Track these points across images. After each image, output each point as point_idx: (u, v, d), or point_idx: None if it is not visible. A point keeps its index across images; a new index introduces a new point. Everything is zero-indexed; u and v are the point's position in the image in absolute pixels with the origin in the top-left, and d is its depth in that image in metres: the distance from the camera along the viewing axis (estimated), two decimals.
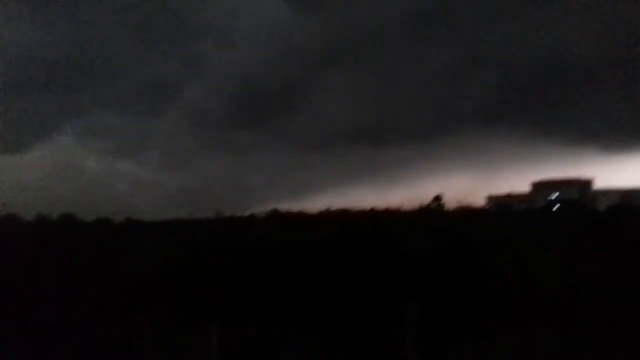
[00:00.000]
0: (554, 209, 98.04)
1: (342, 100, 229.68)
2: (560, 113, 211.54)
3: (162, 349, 32.83)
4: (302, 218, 78.16)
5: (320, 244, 47.79)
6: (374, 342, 36.53)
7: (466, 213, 74.41)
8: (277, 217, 76.08)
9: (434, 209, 55.64)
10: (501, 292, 38.45)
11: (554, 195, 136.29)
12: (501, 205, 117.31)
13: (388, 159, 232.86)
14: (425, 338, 33.08)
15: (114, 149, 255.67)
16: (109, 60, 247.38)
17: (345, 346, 36.17)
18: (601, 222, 63.76)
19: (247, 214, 79.54)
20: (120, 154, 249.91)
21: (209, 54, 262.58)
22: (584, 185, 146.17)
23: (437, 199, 55.21)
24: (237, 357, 32.47)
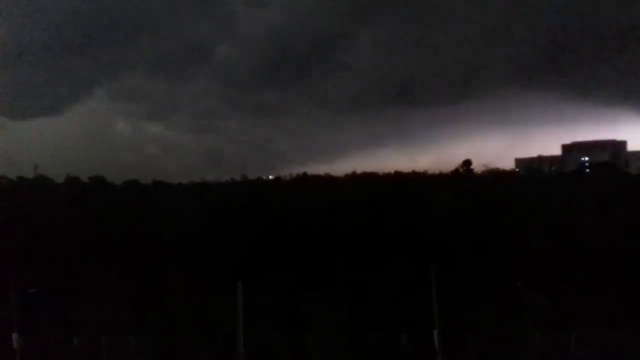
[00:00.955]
0: (586, 171, 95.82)
1: (373, 60, 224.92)
2: (593, 74, 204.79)
3: (191, 307, 33.63)
4: (328, 181, 78.11)
5: (347, 208, 47.87)
6: (399, 301, 36.83)
7: (495, 177, 73.35)
8: (304, 180, 76.11)
9: (463, 173, 54.71)
10: (529, 256, 38.13)
11: (586, 158, 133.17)
12: (531, 168, 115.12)
13: (417, 120, 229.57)
14: (449, 298, 33.19)
15: (144, 112, 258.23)
16: (139, 23, 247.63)
17: (370, 305, 36.62)
18: (634, 184, 62.12)
19: (273, 176, 79.86)
20: (150, 117, 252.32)
21: (239, 13, 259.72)
22: (617, 147, 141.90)
23: (467, 163, 54.26)
24: (263, 316, 33.15)
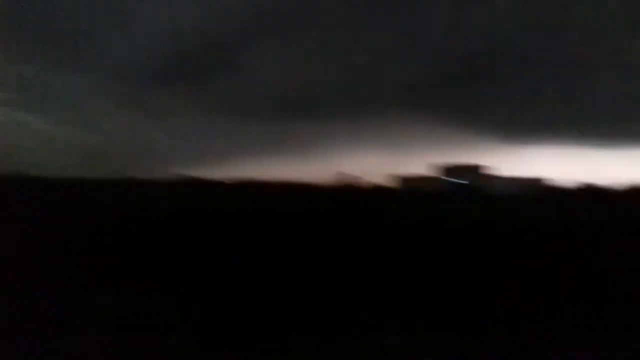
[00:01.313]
0: (456, 192, 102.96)
1: (269, 70, 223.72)
2: (460, 102, 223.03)
3: None
4: (211, 186, 76.25)
5: (228, 214, 46.75)
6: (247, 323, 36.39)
7: (376, 191, 76.26)
8: (187, 184, 73.60)
9: (344, 186, 56.05)
10: (405, 271, 39.53)
11: (457, 179, 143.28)
12: (408, 186, 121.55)
13: (308, 132, 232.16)
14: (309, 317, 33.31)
15: (15, 99, 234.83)
16: (23, 9, 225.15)
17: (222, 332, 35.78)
18: (497, 207, 67.50)
19: (153, 178, 76.12)
20: (22, 106, 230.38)
21: (133, 6, 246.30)
22: (484, 172, 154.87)
23: (347, 176, 55.53)
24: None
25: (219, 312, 33.79)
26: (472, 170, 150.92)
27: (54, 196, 56.63)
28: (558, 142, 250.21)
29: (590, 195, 77.24)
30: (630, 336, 35.39)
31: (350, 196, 56.52)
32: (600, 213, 54.61)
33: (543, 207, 64.63)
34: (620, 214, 53.54)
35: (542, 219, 50.64)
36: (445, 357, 19.09)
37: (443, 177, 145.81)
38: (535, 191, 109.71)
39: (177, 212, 45.32)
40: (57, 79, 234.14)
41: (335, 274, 37.95)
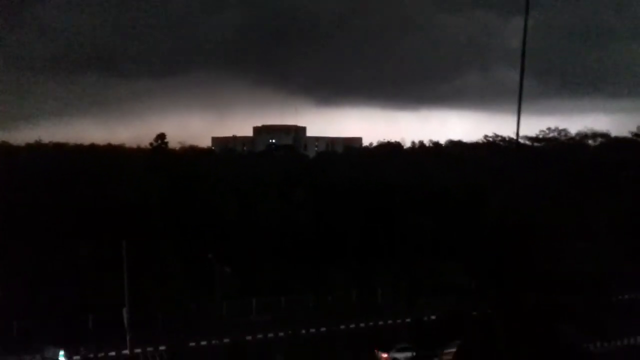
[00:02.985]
0: (273, 152, 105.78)
1: (70, 22, 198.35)
2: (283, 66, 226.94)
3: None
4: (4, 150, 67.75)
5: (27, 180, 42.39)
6: (86, 282, 34.71)
7: (192, 153, 74.79)
8: None
9: (158, 148, 53.85)
10: (220, 229, 40.26)
11: (273, 140, 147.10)
12: (226, 147, 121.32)
13: (118, 92, 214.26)
14: (141, 275, 32.80)
15: None
16: None
17: (53, 287, 33.70)
18: (310, 165, 71.22)
19: None
20: None
21: None
22: (298, 132, 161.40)
23: (160, 137, 52.96)
24: None
25: None
26: (290, 131, 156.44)
27: None
28: (365, 104, 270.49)
29: (391, 152, 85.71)
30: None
31: (168, 159, 54.99)
32: (399, 168, 61.00)
33: (355, 164, 70.00)
34: (414, 168, 60.43)
35: (352, 175, 54.99)
36: None
37: (262, 138, 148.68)
38: (348, 149, 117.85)
39: None
40: None
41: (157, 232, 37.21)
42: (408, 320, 35.57)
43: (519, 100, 9.76)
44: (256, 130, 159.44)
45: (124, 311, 30.67)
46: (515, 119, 10.12)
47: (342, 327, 36.17)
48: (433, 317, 34.40)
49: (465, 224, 42.77)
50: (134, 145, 76.85)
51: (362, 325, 36.82)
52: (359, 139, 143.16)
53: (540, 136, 71.51)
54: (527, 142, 69.70)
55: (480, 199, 46.47)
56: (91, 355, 30.56)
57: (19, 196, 39.40)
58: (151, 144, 49.45)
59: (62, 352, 28.35)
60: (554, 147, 69.56)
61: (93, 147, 78.72)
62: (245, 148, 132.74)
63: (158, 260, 35.81)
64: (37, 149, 71.10)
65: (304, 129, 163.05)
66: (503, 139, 75.35)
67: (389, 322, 37.25)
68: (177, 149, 67.36)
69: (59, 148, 75.07)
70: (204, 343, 33.20)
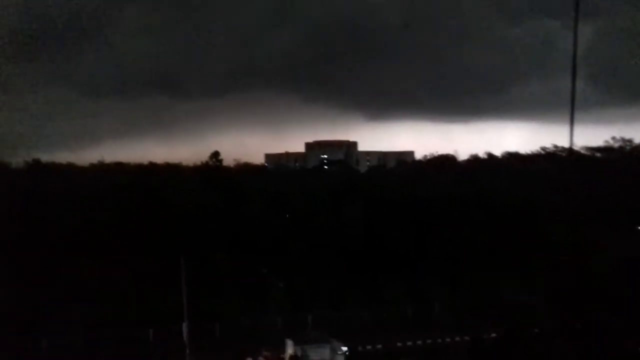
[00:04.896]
0: (325, 167, 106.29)
1: (136, 44, 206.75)
2: (335, 81, 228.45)
3: None
4: (70, 170, 71.11)
5: (90, 199, 44.25)
6: (146, 296, 35.63)
7: (246, 170, 76.19)
8: (38, 168, 67.73)
9: (213, 165, 55.43)
10: (274, 244, 40.67)
11: (325, 156, 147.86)
12: (279, 163, 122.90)
13: (179, 111, 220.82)
14: (198, 290, 33.39)
15: None
16: None
17: (116, 301, 34.72)
18: (362, 180, 71.03)
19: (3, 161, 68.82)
20: None
21: None
22: (350, 147, 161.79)
23: (215, 155, 54.74)
24: None
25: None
26: (342, 146, 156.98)
27: None
28: (417, 117, 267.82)
29: (444, 165, 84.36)
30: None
31: (223, 176, 56.30)
32: (453, 180, 59.92)
33: (407, 178, 69.31)
34: (468, 181, 59.20)
35: (406, 188, 54.44)
36: None
37: (314, 154, 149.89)
38: (400, 163, 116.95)
39: (33, 199, 41.88)
40: None
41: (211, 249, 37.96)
42: (467, 337, 34.56)
43: (571, 108, 9.33)
44: (308, 146, 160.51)
45: (184, 325, 31.30)
46: (575, 128, 9.67)
47: (399, 344, 35.55)
48: (493, 335, 33.29)
49: (524, 238, 41.46)
50: (191, 163, 79.02)
51: (419, 342, 36.08)
52: (411, 153, 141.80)
53: (604, 146, 68.59)
54: (588, 153, 67.04)
55: (539, 211, 45.00)
56: None
57: (81, 214, 41.16)
58: (207, 162, 50.89)
59: None
60: (617, 157, 66.55)
61: (152, 165, 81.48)
62: (297, 164, 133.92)
63: (215, 274, 36.48)
64: (99, 168, 74.28)
65: (355, 143, 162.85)
66: (562, 149, 72.78)
67: (447, 340, 36.31)
68: (232, 165, 68.87)
69: (120, 167, 78.13)
70: (261, 358, 33.36)
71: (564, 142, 76.43)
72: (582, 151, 65.27)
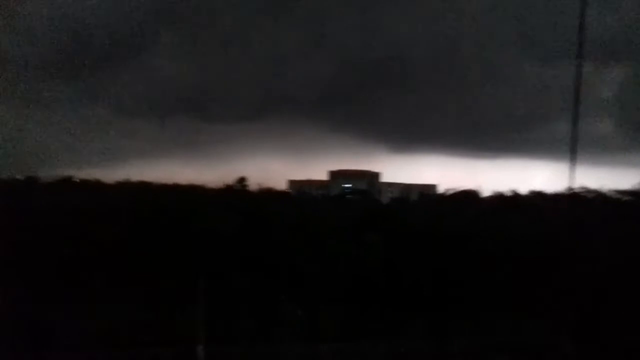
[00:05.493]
0: (347, 196, 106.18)
1: (168, 67, 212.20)
2: (360, 112, 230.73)
3: None
4: (95, 188, 72.54)
5: (115, 216, 44.95)
6: (162, 317, 35.81)
7: (269, 195, 76.72)
8: (67, 185, 69.28)
9: (238, 190, 56.30)
10: (293, 270, 40.66)
11: (348, 185, 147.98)
12: (301, 190, 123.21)
13: (204, 134, 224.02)
14: (215, 313, 33.48)
15: None
16: None
17: (131, 321, 34.95)
18: (384, 211, 70.85)
19: (29, 177, 70.57)
20: None
21: None
22: (373, 177, 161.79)
23: (241, 180, 55.89)
24: None
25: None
26: (365, 177, 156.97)
27: None
28: (442, 152, 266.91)
29: (466, 200, 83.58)
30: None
31: (246, 200, 56.97)
32: (480, 216, 59.27)
33: (429, 211, 68.86)
34: (494, 218, 58.49)
35: (429, 223, 54.07)
36: None
37: (337, 183, 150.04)
38: (422, 196, 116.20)
39: (66, 216, 42.71)
40: None
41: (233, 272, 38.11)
42: None
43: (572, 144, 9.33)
44: (332, 174, 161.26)
45: (199, 349, 31.43)
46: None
47: None
48: None
49: (547, 279, 40.65)
50: (215, 186, 79.75)
51: None
52: (434, 186, 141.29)
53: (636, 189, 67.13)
54: (618, 196, 65.74)
55: (561, 253, 44.16)
56: None
57: (104, 231, 41.72)
58: (230, 185, 51.50)
59: None
60: None
61: (175, 186, 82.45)
62: (320, 192, 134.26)
63: (233, 298, 36.57)
64: (124, 186, 75.46)
65: (378, 174, 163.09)
66: (588, 190, 71.54)
67: None
68: (255, 190, 69.37)
69: (144, 186, 79.27)
70: None
71: (591, 183, 75.38)
72: (608, 193, 64.14)
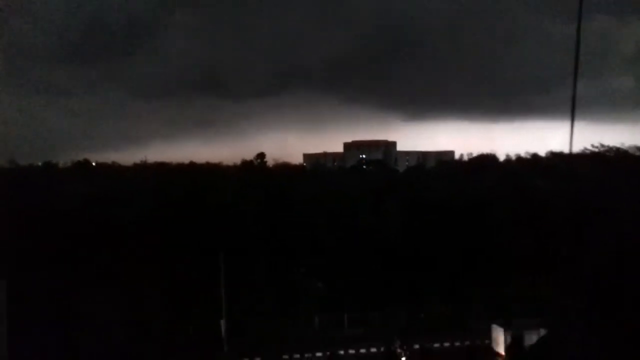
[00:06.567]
0: (363, 167, 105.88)
1: (182, 46, 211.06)
2: (374, 81, 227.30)
3: None
4: (114, 170, 73.19)
5: (131, 198, 45.35)
6: (185, 293, 36.30)
7: (285, 170, 76.70)
8: (84, 169, 69.90)
9: (256, 166, 56.43)
10: (311, 244, 40.81)
11: (364, 156, 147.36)
12: (317, 163, 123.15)
13: (222, 112, 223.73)
14: (236, 287, 33.79)
15: None
16: None
17: (155, 298, 35.52)
18: (401, 180, 70.43)
19: (47, 162, 71.15)
20: None
21: None
22: (389, 147, 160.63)
23: (260, 156, 56.05)
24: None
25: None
26: (381, 146, 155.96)
27: None
28: (458, 117, 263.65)
29: (484, 165, 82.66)
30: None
31: (263, 176, 57.02)
32: (494, 180, 58.65)
33: (444, 177, 68.32)
34: (510, 181, 57.82)
35: (444, 188, 53.66)
36: None
37: (353, 154, 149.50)
38: (440, 163, 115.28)
39: (85, 200, 43.17)
40: None
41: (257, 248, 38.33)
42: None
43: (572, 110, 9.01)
44: (347, 146, 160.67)
45: (222, 323, 31.84)
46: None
47: (436, 345, 35.21)
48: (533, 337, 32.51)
49: (568, 240, 40.16)
50: (232, 163, 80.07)
51: (457, 344, 35.63)
52: (451, 153, 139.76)
53: None
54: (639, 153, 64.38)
55: (586, 212, 43.47)
56: None
57: (123, 213, 42.14)
58: (249, 162, 51.62)
59: None
60: None
61: (192, 165, 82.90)
62: (335, 164, 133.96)
63: (253, 274, 36.91)
64: (141, 168, 76.07)
65: (394, 143, 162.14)
66: (609, 149, 70.13)
67: (487, 341, 35.71)
68: (271, 165, 69.56)
69: (161, 167, 79.85)
70: (297, 356, 33.64)
71: (612, 141, 73.65)
72: (630, 151, 62.85)
